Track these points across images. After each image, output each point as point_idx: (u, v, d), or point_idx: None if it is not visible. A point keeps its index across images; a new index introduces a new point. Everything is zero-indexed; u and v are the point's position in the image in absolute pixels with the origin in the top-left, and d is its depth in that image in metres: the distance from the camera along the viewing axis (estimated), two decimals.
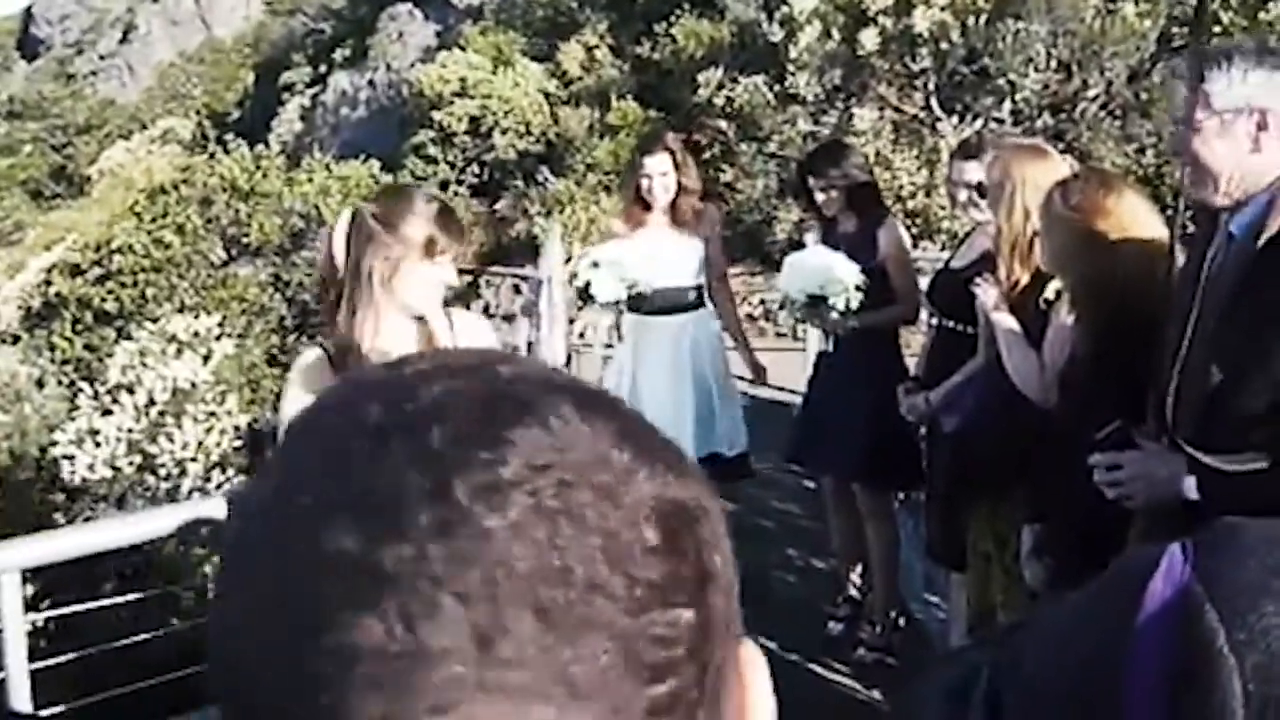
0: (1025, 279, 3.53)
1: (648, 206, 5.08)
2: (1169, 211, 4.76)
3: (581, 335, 7.86)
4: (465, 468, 0.51)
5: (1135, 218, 2.92)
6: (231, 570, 0.54)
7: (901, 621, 5.03)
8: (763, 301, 13.98)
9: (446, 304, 2.97)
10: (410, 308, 2.86)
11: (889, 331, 4.87)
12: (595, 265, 4.86)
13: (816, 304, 4.57)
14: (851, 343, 4.75)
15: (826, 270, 4.54)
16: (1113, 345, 2.83)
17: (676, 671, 0.52)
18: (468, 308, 17.24)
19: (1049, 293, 3.38)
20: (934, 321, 4.31)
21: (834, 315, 4.59)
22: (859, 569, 5.19)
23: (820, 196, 4.82)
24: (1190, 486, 2.30)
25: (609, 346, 5.39)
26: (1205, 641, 0.64)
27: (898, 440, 4.73)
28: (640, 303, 5.01)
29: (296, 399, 2.86)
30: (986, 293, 3.58)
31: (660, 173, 5.04)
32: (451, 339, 2.91)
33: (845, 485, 5.03)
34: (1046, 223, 3.06)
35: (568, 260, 5.27)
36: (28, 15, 61.53)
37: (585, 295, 4.96)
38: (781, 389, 9.01)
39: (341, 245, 2.83)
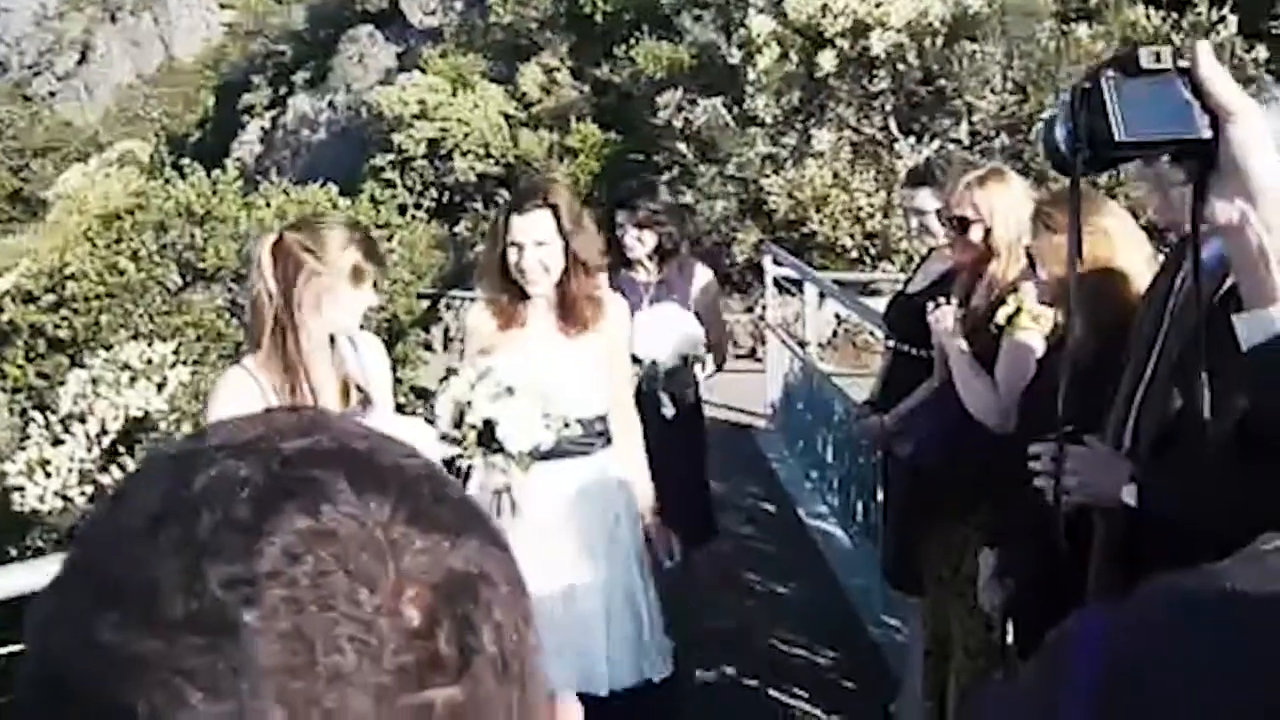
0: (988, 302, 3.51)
1: (523, 293, 3.43)
2: None
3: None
4: (221, 558, 0.51)
5: (1128, 233, 2.90)
6: (29, 653, 0.55)
7: None
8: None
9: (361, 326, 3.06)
10: (335, 331, 2.97)
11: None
12: (510, 391, 3.09)
13: (686, 366, 4.40)
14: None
15: (687, 329, 4.40)
16: (1110, 359, 2.80)
17: None
18: (428, 330, 17.18)
19: (1000, 317, 3.37)
20: (890, 345, 4.30)
21: (696, 374, 4.45)
22: None
23: (630, 235, 4.52)
24: (1130, 493, 2.29)
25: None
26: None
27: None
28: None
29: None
30: (941, 317, 3.58)
31: (535, 241, 3.34)
32: (356, 359, 3.01)
33: None
34: (1044, 240, 2.99)
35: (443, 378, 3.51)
36: None
37: (488, 441, 3.10)
38: (741, 410, 9.08)
39: (270, 270, 2.89)
